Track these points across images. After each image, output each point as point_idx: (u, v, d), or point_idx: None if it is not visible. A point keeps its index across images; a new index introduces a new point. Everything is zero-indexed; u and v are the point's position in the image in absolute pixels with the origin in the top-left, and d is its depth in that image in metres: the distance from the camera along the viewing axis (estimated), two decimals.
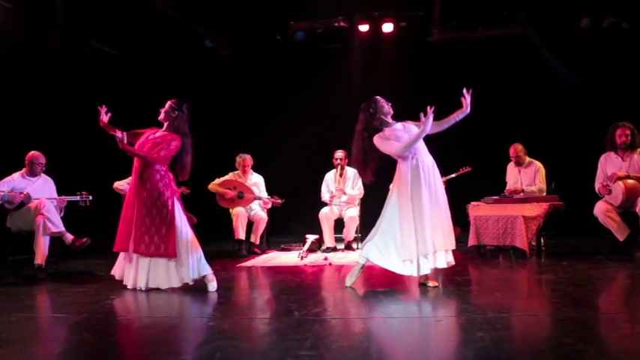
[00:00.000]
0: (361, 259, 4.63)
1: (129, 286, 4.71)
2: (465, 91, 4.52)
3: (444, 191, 4.57)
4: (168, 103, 4.85)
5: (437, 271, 4.57)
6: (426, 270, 4.40)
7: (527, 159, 6.75)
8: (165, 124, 4.84)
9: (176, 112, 4.80)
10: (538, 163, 6.70)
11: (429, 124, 4.32)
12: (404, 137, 4.47)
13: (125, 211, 4.79)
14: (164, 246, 4.61)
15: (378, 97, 4.67)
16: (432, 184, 4.46)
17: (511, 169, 6.89)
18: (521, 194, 6.46)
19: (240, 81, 9.60)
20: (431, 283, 4.49)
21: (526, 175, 6.70)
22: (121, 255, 4.85)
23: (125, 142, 4.65)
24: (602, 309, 3.95)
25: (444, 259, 4.47)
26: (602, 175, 6.02)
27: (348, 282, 4.66)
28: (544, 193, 6.51)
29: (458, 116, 4.55)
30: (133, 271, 4.71)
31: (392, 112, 4.64)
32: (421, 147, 4.55)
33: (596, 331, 3.28)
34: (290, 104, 9.24)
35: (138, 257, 4.69)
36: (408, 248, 4.37)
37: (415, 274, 4.42)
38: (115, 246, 4.77)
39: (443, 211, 4.48)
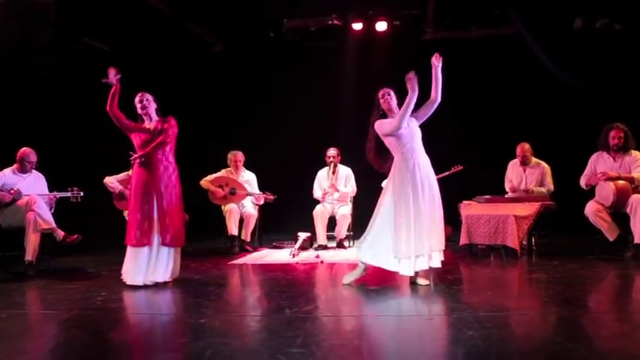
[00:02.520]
0: (361, 263, 4.65)
1: (146, 282, 4.73)
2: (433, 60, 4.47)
3: (438, 191, 4.58)
4: (141, 96, 4.98)
5: (428, 270, 4.57)
6: (419, 268, 4.42)
7: (534, 159, 6.75)
8: (150, 116, 4.97)
9: (154, 102, 5.02)
10: (545, 165, 6.70)
11: (415, 85, 4.32)
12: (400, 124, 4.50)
13: (137, 205, 4.83)
14: (180, 235, 4.89)
15: (385, 92, 4.62)
16: (427, 184, 4.47)
17: (514, 167, 6.85)
18: (521, 194, 6.47)
19: (233, 78, 9.60)
20: (422, 282, 4.50)
21: (532, 175, 6.68)
22: (135, 256, 4.81)
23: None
24: (591, 308, 3.98)
25: (439, 258, 4.49)
26: (589, 172, 6.05)
27: (346, 280, 4.66)
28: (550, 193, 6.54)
29: (437, 75, 4.47)
30: (153, 264, 4.80)
31: (393, 107, 4.57)
32: (417, 147, 4.54)
33: (585, 330, 3.30)
34: (283, 102, 9.24)
35: (159, 250, 4.81)
36: (404, 247, 4.37)
37: (409, 274, 4.42)
38: (136, 241, 4.77)
39: (437, 211, 4.49)
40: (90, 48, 7.98)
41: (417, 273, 4.49)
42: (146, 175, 4.83)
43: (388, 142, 4.57)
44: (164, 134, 4.84)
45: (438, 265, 4.49)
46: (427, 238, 4.37)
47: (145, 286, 4.68)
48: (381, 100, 4.62)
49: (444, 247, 4.54)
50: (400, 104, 4.50)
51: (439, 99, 4.52)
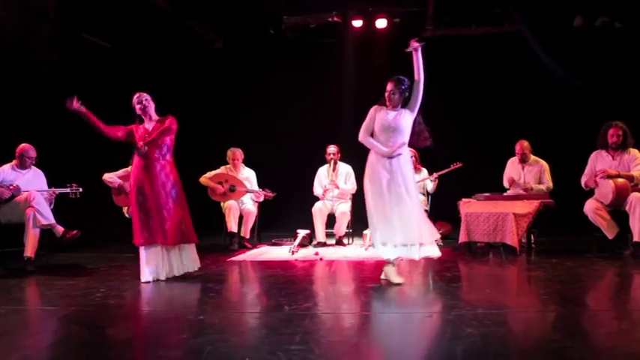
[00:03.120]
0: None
1: (162, 277, 4.85)
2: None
3: (416, 186, 4.65)
4: (139, 96, 4.96)
5: (426, 268, 4.57)
6: (391, 256, 4.46)
7: (532, 157, 6.74)
8: (150, 116, 4.97)
9: (153, 102, 5.00)
10: (544, 163, 6.68)
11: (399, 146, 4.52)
12: (372, 128, 4.65)
13: (137, 206, 4.86)
14: (180, 232, 4.87)
15: (390, 90, 4.63)
16: (400, 178, 4.50)
17: (513, 164, 6.83)
18: (521, 192, 6.47)
19: (233, 75, 9.58)
20: (396, 279, 4.48)
21: (530, 173, 6.67)
22: (148, 252, 4.86)
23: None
24: (590, 306, 3.98)
25: (417, 252, 4.48)
26: (589, 172, 6.05)
27: (395, 280, 4.61)
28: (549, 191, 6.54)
29: (418, 60, 4.58)
30: (167, 261, 4.90)
31: (394, 103, 4.61)
32: (393, 141, 4.58)
33: (584, 327, 3.31)
34: (283, 99, 9.23)
35: (167, 247, 4.88)
36: (391, 234, 4.43)
37: (388, 257, 4.48)
38: (144, 240, 4.83)
39: (412, 206, 4.49)
40: (90, 44, 7.97)
41: (393, 267, 4.53)
42: (143, 176, 4.84)
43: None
44: (167, 126, 4.87)
45: (414, 258, 4.49)
46: (399, 229, 4.41)
47: (145, 283, 4.72)
48: (385, 93, 4.65)
49: (425, 242, 4.51)
50: (403, 97, 4.60)
51: (422, 78, 4.57)
